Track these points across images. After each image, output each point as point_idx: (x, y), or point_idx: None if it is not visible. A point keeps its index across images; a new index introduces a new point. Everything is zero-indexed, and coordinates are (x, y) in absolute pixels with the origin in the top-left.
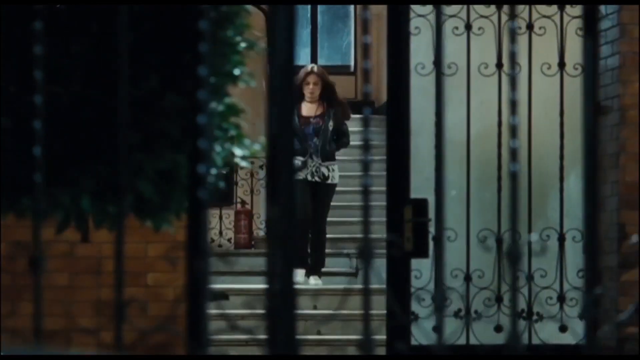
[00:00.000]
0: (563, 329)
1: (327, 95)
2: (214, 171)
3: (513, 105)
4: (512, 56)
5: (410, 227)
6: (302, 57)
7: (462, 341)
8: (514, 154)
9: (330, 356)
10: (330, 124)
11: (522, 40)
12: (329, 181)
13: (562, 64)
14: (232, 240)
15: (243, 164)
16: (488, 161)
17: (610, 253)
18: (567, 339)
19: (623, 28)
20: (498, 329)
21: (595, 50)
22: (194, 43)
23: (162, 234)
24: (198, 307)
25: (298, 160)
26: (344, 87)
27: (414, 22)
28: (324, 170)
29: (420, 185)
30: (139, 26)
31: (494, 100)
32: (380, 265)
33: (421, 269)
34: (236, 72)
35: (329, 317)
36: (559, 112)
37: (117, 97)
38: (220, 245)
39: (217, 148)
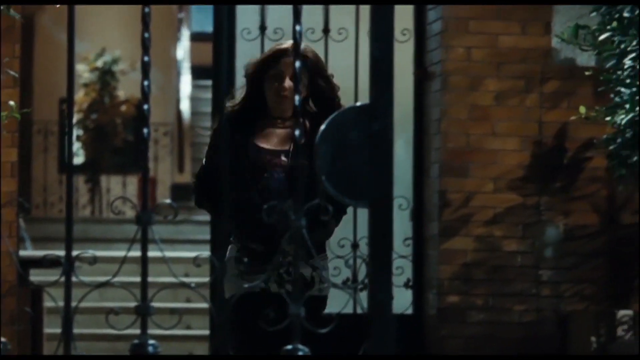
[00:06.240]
0: None
1: (320, 104)
2: None
3: (144, 67)
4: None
5: None
6: None
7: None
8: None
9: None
10: None
11: (350, 5)
12: (315, 291)
13: None
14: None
15: None
16: None
17: (432, 221)
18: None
19: None
20: None
21: (423, 15)
22: None
23: None
24: None
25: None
26: None
27: None
28: (305, 271)
29: None
30: None
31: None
32: None
33: None
34: None
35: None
36: None
37: None
38: (118, 213)
39: None
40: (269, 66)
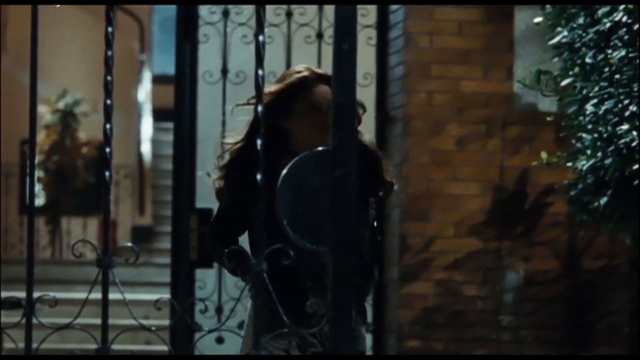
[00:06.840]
0: None
1: None
2: None
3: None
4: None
5: (196, 236)
6: None
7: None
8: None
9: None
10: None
11: (312, 49)
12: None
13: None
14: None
15: None
16: None
17: (393, 265)
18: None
19: (408, 37)
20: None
21: (384, 59)
22: None
23: None
24: None
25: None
26: None
27: (203, 30)
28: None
29: (207, 195)
30: None
31: None
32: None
33: (205, 279)
34: None
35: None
36: None
37: None
38: (79, 255)
39: None
40: (296, 97)
